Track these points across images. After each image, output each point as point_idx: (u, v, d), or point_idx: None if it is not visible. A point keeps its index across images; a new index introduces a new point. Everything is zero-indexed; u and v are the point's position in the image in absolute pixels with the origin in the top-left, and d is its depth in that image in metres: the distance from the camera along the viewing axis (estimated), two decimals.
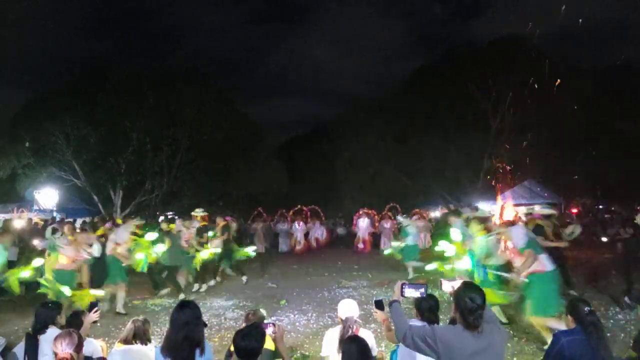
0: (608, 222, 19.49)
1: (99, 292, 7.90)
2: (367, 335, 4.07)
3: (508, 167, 19.62)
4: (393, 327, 4.06)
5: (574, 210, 24.82)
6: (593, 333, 3.48)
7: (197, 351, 3.23)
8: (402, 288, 3.37)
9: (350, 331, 3.90)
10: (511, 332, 6.43)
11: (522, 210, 21.06)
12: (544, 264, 5.93)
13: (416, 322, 3.81)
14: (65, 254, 7.68)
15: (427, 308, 3.87)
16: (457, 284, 3.22)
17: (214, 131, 23.79)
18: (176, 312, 3.29)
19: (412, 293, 3.39)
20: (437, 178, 26.15)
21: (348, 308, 4.14)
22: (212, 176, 24.83)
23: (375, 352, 4.17)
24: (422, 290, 3.41)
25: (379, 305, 3.84)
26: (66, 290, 7.21)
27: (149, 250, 9.21)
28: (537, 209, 9.02)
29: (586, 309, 3.60)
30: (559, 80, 21.76)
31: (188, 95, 23.10)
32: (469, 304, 2.76)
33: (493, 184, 19.86)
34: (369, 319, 6.95)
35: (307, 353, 5.99)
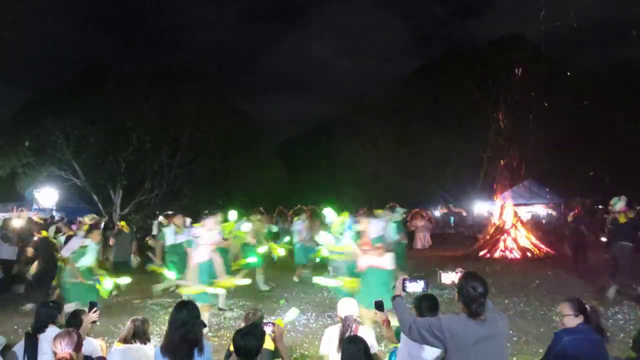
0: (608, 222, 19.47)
1: (244, 281, 8.01)
2: (367, 332, 4.07)
3: (508, 167, 19.61)
4: (393, 327, 4.07)
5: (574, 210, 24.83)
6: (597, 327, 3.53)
7: (196, 351, 3.24)
8: (403, 283, 3.38)
9: (349, 330, 3.89)
10: (511, 332, 6.43)
11: (522, 209, 21.15)
12: (386, 262, 6.08)
13: None
14: (206, 243, 7.23)
15: (427, 307, 3.85)
16: (457, 276, 3.23)
17: (214, 129, 23.79)
18: (175, 312, 3.31)
19: (413, 288, 3.40)
20: (437, 178, 26.17)
21: (347, 306, 4.14)
22: (212, 175, 24.82)
23: (375, 349, 4.17)
24: (424, 284, 3.42)
25: (379, 306, 3.84)
26: (208, 292, 6.82)
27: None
28: (619, 204, 8.95)
29: (588, 306, 3.64)
30: (559, 80, 21.78)
31: (188, 94, 23.11)
32: (472, 292, 2.81)
33: (493, 183, 19.87)
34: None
35: (306, 352, 5.98)
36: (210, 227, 7.35)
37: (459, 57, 27.60)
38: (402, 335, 3.55)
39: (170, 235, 9.25)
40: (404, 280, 3.40)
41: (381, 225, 6.93)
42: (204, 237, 7.20)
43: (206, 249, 7.14)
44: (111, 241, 11.43)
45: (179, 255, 8.78)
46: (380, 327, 5.37)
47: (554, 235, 18.37)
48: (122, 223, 12.02)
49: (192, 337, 3.23)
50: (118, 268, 10.53)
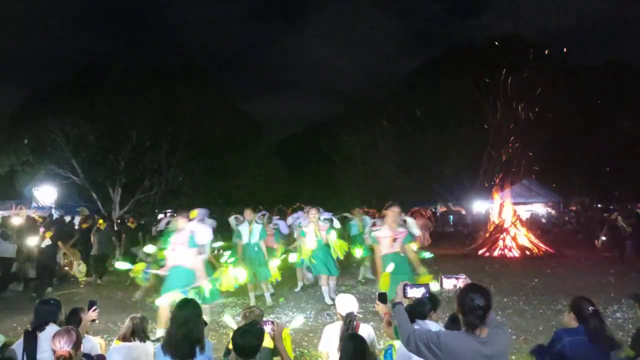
0: (607, 221, 19.50)
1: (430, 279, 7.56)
2: (367, 330, 4.05)
3: (506, 166, 19.64)
4: (393, 323, 4.05)
5: (572, 209, 24.88)
6: (598, 333, 3.47)
7: (197, 349, 3.24)
8: (404, 289, 3.29)
9: (350, 327, 3.87)
10: (510, 330, 6.43)
11: (521, 208, 21.15)
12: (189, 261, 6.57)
13: (433, 326, 3.72)
14: (386, 236, 6.87)
15: (431, 307, 3.82)
16: (459, 281, 3.16)
17: (213, 128, 23.77)
18: (177, 310, 3.30)
19: (415, 293, 3.31)
20: (436, 176, 26.18)
21: (347, 303, 4.10)
22: (211, 174, 24.81)
23: (375, 348, 4.15)
24: (425, 290, 3.34)
25: (382, 298, 3.79)
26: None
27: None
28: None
29: (590, 308, 3.58)
30: (558, 79, 21.79)
31: (187, 92, 23.09)
32: (469, 303, 2.70)
33: (492, 182, 19.88)
34: (367, 317, 6.96)
35: (305, 351, 5.98)
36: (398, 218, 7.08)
37: (459, 57, 27.59)
38: None
39: (246, 234, 8.73)
40: (404, 286, 3.31)
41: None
42: (383, 230, 6.92)
43: (387, 242, 6.87)
44: (91, 238, 12.04)
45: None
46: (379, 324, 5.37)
47: (553, 234, 18.40)
48: (100, 221, 12.87)
49: (194, 335, 3.22)
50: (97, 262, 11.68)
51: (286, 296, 9.21)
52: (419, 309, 3.80)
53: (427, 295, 3.42)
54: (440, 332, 2.82)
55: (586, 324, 3.52)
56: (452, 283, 3.19)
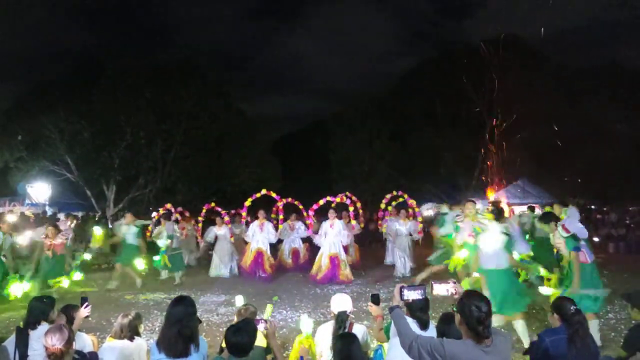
0: (600, 222, 19.62)
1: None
2: (361, 330, 4.03)
3: (502, 166, 19.68)
4: (389, 327, 4.03)
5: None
6: (578, 331, 3.49)
7: (192, 346, 3.23)
8: (401, 291, 3.22)
9: (342, 326, 3.85)
10: (504, 330, 6.43)
11: (515, 209, 21.19)
12: None
13: (427, 333, 3.58)
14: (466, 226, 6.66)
15: (419, 307, 3.65)
16: (451, 287, 3.08)
17: (209, 126, 23.73)
18: (171, 308, 3.28)
19: (411, 295, 3.23)
20: (431, 176, 26.26)
21: (341, 302, 4.09)
22: (207, 172, 24.76)
23: (369, 346, 4.14)
24: (421, 291, 3.26)
25: (375, 299, 3.75)
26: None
27: None
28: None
29: (572, 307, 3.60)
30: (552, 79, 21.88)
31: (183, 90, 23.04)
32: (476, 313, 2.56)
33: (487, 182, 19.93)
34: (362, 316, 6.97)
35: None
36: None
37: (454, 57, 27.66)
38: (392, 332, 3.47)
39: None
40: (401, 288, 3.24)
41: None
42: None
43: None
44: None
45: None
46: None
47: None
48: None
49: (188, 333, 3.21)
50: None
51: (280, 295, 9.21)
52: (420, 304, 3.60)
53: (424, 296, 3.32)
54: (445, 340, 2.70)
55: (567, 323, 3.56)
56: (445, 288, 3.07)
